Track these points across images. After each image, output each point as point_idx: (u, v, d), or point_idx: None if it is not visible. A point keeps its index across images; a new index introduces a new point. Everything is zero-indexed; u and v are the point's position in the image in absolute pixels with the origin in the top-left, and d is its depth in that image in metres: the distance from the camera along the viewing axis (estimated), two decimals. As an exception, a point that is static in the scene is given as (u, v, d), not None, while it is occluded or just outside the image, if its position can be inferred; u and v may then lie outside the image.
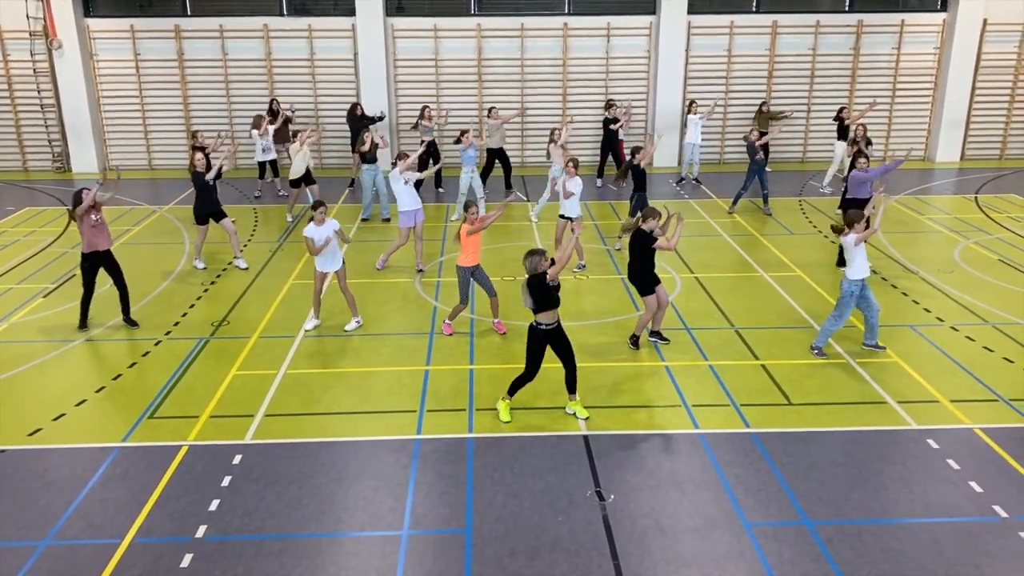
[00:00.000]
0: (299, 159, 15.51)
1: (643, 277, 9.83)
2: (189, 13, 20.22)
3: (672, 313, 10.96)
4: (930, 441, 7.96)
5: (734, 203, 16.40)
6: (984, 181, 19.21)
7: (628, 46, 20.61)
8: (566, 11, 20.47)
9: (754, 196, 16.86)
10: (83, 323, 10.70)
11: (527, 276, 7.98)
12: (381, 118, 18.89)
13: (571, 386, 8.41)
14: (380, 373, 9.52)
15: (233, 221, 13.14)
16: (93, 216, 10.31)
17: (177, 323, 10.99)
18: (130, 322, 10.82)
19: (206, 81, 20.48)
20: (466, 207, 10.28)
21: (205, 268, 13.13)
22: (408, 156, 12.77)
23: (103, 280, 10.80)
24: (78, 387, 9.21)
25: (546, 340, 8.15)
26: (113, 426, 8.33)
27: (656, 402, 8.82)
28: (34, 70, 20.13)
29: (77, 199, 10.26)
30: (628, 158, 13.66)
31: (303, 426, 8.33)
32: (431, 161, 16.83)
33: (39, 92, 20.39)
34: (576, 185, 12.46)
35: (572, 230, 12.59)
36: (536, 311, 8.02)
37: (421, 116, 17.75)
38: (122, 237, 14.91)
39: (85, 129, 20.30)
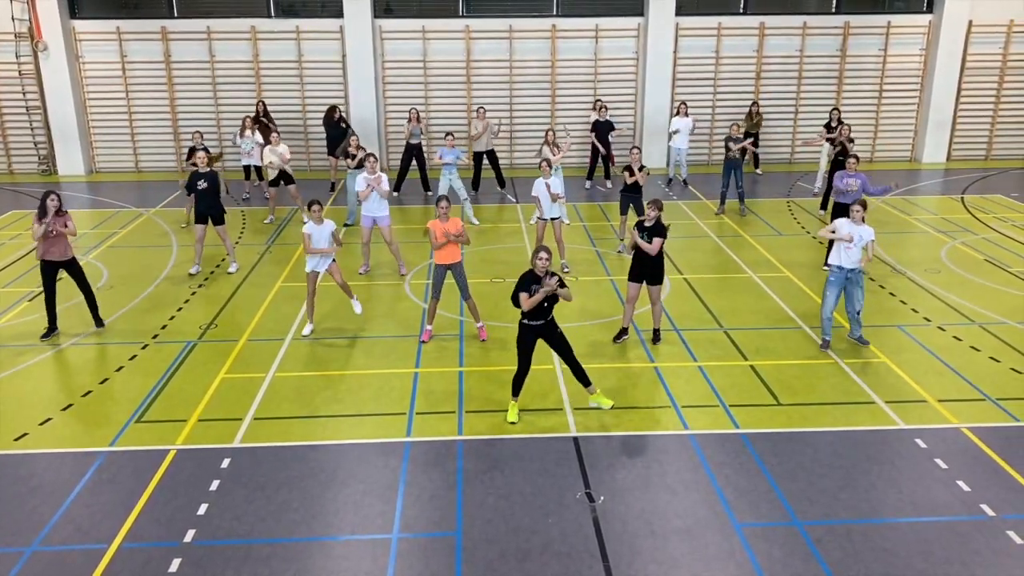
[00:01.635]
0: (270, 155, 15.33)
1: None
2: (176, 15, 20.12)
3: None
4: (918, 441, 8.00)
5: (721, 204, 16.46)
6: (970, 181, 19.33)
7: (616, 48, 20.64)
8: (554, 13, 20.49)
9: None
10: (51, 326, 10.50)
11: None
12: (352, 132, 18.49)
13: (582, 379, 8.42)
14: (369, 376, 9.50)
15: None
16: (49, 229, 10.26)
17: (164, 326, 10.93)
18: (98, 321, 10.75)
19: (193, 83, 20.38)
20: (436, 201, 10.23)
21: (199, 271, 12.98)
22: (370, 160, 12.69)
23: (75, 291, 10.73)
24: (64, 391, 9.15)
25: (533, 334, 8.19)
26: (100, 430, 8.28)
27: (645, 403, 8.83)
28: (19, 72, 19.96)
29: (42, 203, 10.18)
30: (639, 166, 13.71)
31: (292, 429, 8.30)
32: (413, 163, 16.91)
33: (24, 94, 20.23)
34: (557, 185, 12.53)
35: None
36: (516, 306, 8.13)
37: (409, 120, 17.75)
38: (109, 240, 14.84)
39: (71, 131, 20.17)
